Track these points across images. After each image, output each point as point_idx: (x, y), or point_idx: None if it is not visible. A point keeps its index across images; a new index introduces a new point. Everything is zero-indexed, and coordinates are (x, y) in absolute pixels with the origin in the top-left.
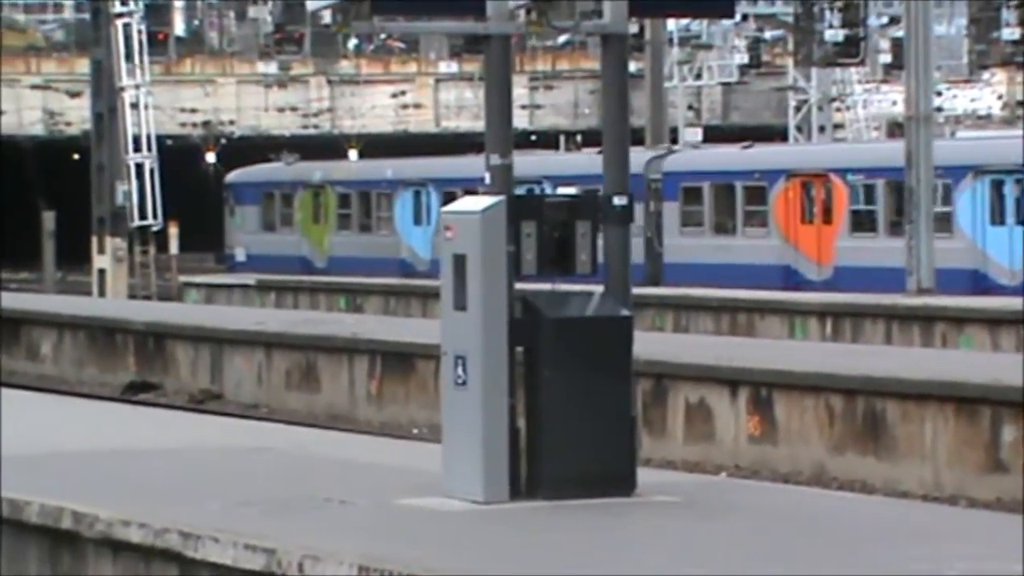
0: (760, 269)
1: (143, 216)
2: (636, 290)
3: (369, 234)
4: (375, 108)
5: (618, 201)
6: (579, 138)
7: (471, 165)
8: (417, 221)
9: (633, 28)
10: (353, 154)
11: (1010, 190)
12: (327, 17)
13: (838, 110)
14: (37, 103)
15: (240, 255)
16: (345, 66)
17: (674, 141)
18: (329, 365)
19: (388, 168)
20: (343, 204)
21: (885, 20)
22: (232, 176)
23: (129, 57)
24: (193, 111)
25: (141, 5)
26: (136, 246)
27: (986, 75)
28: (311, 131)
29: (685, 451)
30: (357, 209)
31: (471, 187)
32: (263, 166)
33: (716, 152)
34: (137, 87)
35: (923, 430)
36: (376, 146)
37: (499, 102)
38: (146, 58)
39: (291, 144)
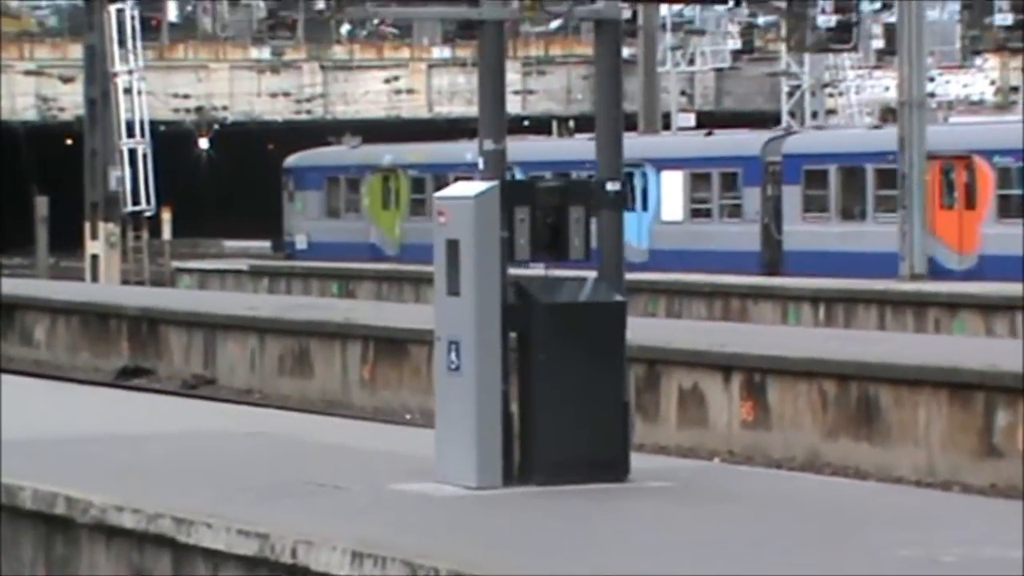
0: (893, 258)
1: (136, 201)
2: (630, 276)
3: None
4: (368, 93)
5: (611, 186)
6: (572, 124)
7: (558, 148)
8: None
9: (626, 14)
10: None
11: None
12: (320, 2)
13: (831, 95)
14: (30, 89)
15: (301, 242)
16: (338, 51)
17: (667, 127)
18: (322, 350)
19: (467, 151)
20: (417, 188)
21: (878, 5)
22: (291, 160)
23: (122, 42)
24: (186, 96)
25: None
26: (129, 231)
27: (979, 61)
28: (304, 116)
29: (678, 436)
30: (433, 194)
31: (562, 171)
32: (324, 149)
33: (842, 132)
34: (130, 72)
35: (917, 415)
36: (369, 132)
37: (492, 87)
38: (139, 43)
39: (283, 129)
